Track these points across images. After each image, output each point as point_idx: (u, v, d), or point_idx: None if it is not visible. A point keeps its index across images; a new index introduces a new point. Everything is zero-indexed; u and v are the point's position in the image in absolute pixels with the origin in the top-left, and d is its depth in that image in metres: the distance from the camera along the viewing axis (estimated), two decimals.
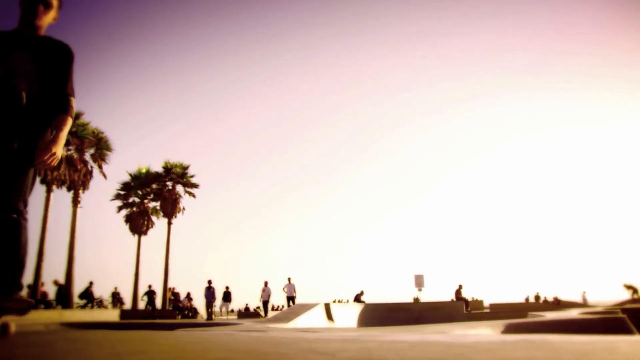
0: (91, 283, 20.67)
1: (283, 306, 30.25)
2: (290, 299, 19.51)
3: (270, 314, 21.50)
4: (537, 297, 32.62)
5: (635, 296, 27.46)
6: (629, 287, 29.46)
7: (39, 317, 14.71)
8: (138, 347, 1.75)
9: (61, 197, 38.62)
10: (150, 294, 21.60)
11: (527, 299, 33.62)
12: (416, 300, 24.25)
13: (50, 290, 20.35)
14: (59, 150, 2.41)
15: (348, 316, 14.76)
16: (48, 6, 2.52)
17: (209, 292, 19.68)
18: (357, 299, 23.88)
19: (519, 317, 12.37)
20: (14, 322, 2.26)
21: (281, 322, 9.28)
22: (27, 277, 20.14)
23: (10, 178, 2.32)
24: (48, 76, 2.48)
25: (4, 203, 2.29)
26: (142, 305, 23.11)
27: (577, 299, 30.68)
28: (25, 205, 2.37)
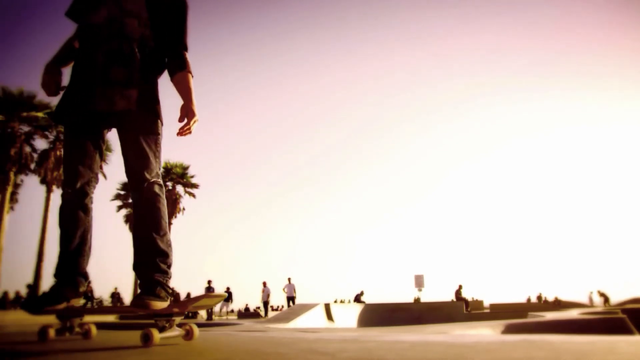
0: (89, 282, 20.66)
1: (283, 306, 30.24)
2: (290, 299, 19.51)
3: (271, 314, 21.49)
4: (539, 298, 32.62)
5: (607, 305, 27.69)
6: (601, 294, 29.89)
7: (39, 317, 14.68)
8: (138, 348, 1.76)
9: None
10: None
11: (528, 299, 33.61)
12: (417, 300, 24.24)
13: None
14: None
15: (348, 316, 14.75)
16: None
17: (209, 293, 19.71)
18: (357, 299, 23.87)
19: (519, 317, 12.37)
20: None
21: (281, 322, 9.28)
22: (27, 277, 20.21)
23: (138, 144, 2.07)
24: (161, 24, 2.20)
25: (134, 176, 2.06)
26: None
27: (584, 299, 30.68)
28: (158, 176, 2.11)
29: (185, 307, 1.94)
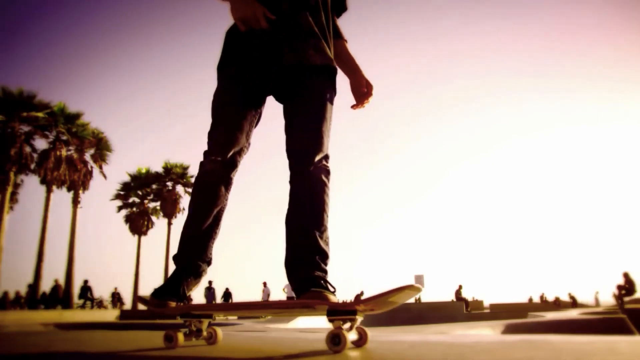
0: (86, 281, 20.63)
1: None
2: (290, 299, 19.49)
3: None
4: (541, 298, 32.62)
5: (576, 307, 27.96)
6: (571, 297, 30.18)
7: (39, 317, 14.72)
8: (138, 348, 1.76)
9: (61, 197, 38.70)
10: None
11: (530, 300, 33.59)
12: (418, 300, 24.23)
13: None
14: None
15: None
16: None
17: (209, 293, 19.70)
18: (357, 299, 23.84)
19: (519, 317, 12.37)
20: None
21: (281, 322, 9.28)
22: (27, 277, 20.25)
23: (314, 115, 1.74)
24: None
25: (298, 155, 1.73)
26: (142, 305, 23.13)
27: (590, 299, 30.66)
28: (327, 158, 1.77)
29: (375, 303, 1.53)
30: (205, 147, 1.82)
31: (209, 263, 1.82)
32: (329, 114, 1.77)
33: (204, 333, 1.76)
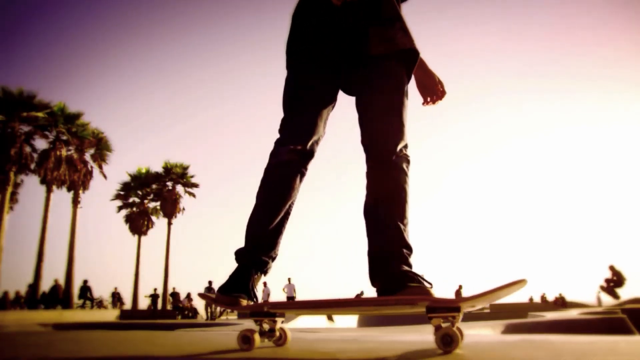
0: (85, 281, 20.63)
1: None
2: (290, 299, 19.53)
3: None
4: (542, 298, 32.60)
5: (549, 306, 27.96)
6: (561, 297, 30.27)
7: (39, 317, 14.72)
8: (137, 348, 1.76)
9: (61, 197, 38.69)
10: (154, 297, 21.75)
11: (530, 299, 33.58)
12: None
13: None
14: None
15: (348, 316, 14.74)
16: None
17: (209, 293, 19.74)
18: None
19: (519, 317, 12.37)
20: None
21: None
22: (27, 277, 20.25)
23: (394, 103, 1.65)
24: None
25: (378, 146, 1.63)
26: (142, 305, 23.21)
27: (592, 300, 30.62)
28: (407, 147, 1.67)
29: (482, 299, 1.43)
30: (278, 136, 1.71)
31: (274, 259, 1.73)
32: (407, 100, 1.69)
33: (277, 333, 1.63)
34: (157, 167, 28.81)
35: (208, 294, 1.80)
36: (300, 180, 1.73)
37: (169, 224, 28.05)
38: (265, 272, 1.70)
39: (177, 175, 28.69)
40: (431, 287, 1.46)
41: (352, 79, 1.73)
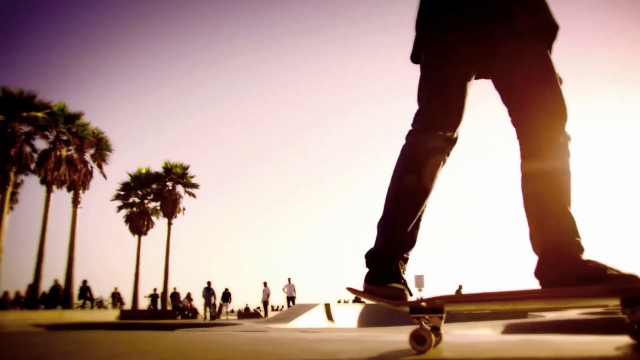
0: (85, 281, 20.62)
1: (283, 306, 30.28)
2: (290, 299, 19.51)
3: (271, 314, 21.50)
4: None
5: None
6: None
7: (39, 317, 14.72)
8: (137, 348, 1.75)
9: (61, 197, 38.70)
10: (154, 297, 21.77)
11: None
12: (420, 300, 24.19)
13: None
14: None
15: (348, 316, 14.75)
16: None
17: (208, 294, 19.74)
18: (357, 299, 23.89)
19: (519, 317, 12.36)
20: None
21: (281, 322, 9.29)
22: (27, 277, 20.25)
23: (552, 83, 1.52)
24: None
25: (543, 127, 1.48)
26: (142, 305, 23.23)
27: None
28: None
29: None
30: (421, 120, 1.60)
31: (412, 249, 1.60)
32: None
33: (441, 332, 1.47)
34: (157, 167, 28.85)
35: (357, 287, 1.55)
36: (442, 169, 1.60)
37: (169, 224, 28.07)
38: (405, 262, 1.57)
39: (177, 175, 28.70)
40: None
41: (496, 58, 1.60)
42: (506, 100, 1.58)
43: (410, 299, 1.49)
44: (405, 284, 1.49)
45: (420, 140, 1.57)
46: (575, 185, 1.48)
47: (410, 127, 1.62)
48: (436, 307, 1.38)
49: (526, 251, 1.48)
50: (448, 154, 1.60)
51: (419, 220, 1.57)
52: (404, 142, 1.61)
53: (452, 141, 1.59)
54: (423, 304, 1.38)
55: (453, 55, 1.59)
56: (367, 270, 1.53)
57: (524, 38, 1.55)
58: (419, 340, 1.29)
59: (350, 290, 1.56)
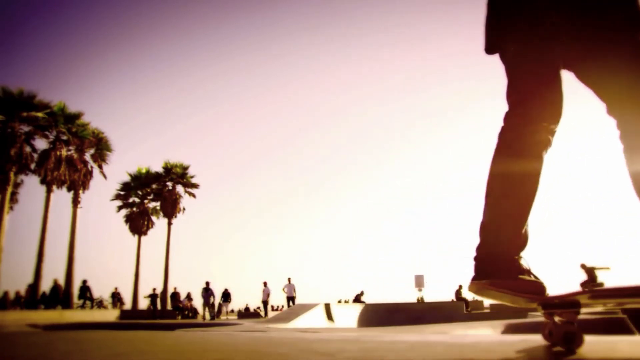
0: (84, 281, 20.62)
1: (283, 306, 30.29)
2: (290, 299, 19.51)
3: (271, 314, 21.50)
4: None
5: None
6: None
7: (39, 317, 14.72)
8: (137, 348, 1.76)
9: (61, 197, 38.68)
10: (154, 297, 21.80)
11: None
12: (421, 300, 24.23)
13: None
14: None
15: (348, 316, 14.75)
16: None
17: (207, 294, 19.75)
18: (357, 299, 23.90)
19: (519, 317, 12.36)
20: None
21: (281, 322, 9.29)
22: (27, 277, 20.26)
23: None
24: None
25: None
26: (142, 305, 23.23)
27: None
28: None
29: None
30: (525, 109, 1.52)
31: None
32: None
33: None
34: (157, 167, 28.85)
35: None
36: None
37: (169, 224, 28.06)
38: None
39: (177, 175, 28.70)
40: None
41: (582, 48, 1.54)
42: (603, 91, 1.50)
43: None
44: (537, 277, 1.38)
45: (526, 131, 1.48)
46: None
47: (506, 120, 1.54)
48: (573, 302, 1.26)
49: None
50: (550, 147, 1.51)
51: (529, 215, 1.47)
52: (503, 135, 1.53)
53: (554, 135, 1.50)
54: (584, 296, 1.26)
55: (546, 46, 1.51)
56: (481, 267, 1.41)
57: (619, 28, 1.47)
58: (567, 339, 1.21)
59: (479, 285, 1.37)
